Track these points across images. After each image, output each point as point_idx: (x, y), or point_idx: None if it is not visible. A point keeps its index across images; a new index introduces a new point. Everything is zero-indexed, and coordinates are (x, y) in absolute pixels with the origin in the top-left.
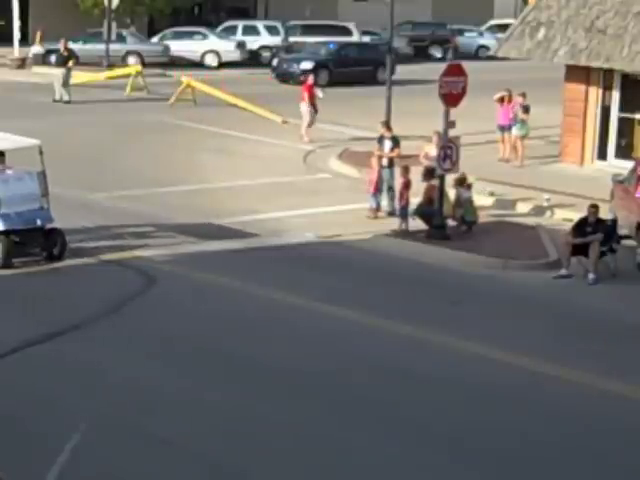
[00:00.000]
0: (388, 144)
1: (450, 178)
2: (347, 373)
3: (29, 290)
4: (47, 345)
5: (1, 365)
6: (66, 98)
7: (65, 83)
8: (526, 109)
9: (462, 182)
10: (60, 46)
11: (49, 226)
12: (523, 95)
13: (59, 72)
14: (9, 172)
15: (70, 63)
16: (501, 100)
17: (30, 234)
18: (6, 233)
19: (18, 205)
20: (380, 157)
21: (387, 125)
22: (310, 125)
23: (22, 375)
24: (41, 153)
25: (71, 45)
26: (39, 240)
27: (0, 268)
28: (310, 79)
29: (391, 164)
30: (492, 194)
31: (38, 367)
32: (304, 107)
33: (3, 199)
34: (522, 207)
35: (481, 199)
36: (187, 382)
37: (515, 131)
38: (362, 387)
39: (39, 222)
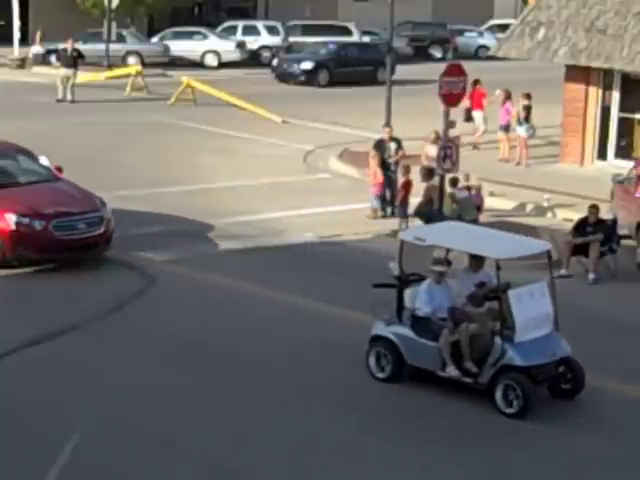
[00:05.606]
0: (393, 146)
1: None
2: (347, 374)
3: (29, 290)
4: (47, 345)
5: (1, 365)
6: (70, 97)
7: (74, 83)
8: (527, 109)
9: (455, 183)
10: (68, 46)
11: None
12: (527, 96)
13: (69, 72)
14: (526, 287)
15: (79, 63)
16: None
17: (543, 369)
18: (525, 371)
19: (533, 331)
20: (382, 160)
21: (389, 127)
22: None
23: (22, 375)
24: (549, 258)
25: None
26: (551, 375)
27: (514, 417)
28: (478, 86)
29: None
30: (492, 194)
31: (38, 367)
32: (478, 115)
33: (519, 323)
34: (522, 207)
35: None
36: (187, 382)
37: (522, 132)
38: (362, 387)
39: (558, 354)
